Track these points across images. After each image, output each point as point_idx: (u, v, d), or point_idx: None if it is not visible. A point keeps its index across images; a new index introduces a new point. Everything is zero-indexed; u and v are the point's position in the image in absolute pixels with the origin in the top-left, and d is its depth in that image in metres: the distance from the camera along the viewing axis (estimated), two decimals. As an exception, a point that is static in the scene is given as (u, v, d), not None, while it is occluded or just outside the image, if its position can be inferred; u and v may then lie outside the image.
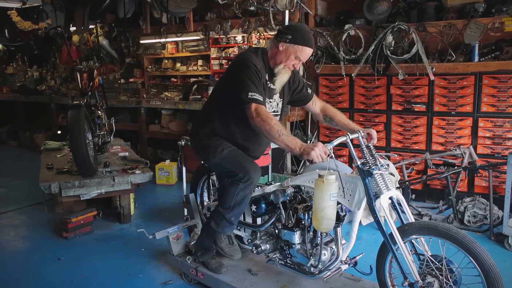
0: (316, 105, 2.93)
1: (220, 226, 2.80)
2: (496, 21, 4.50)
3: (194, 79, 6.95)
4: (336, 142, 2.33)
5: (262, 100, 2.44)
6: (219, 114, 2.71)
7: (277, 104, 2.76)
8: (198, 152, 2.87)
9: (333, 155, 2.25)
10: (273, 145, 4.51)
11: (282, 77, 2.61)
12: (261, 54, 2.62)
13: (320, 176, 2.26)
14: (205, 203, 3.42)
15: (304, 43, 2.52)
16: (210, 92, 4.62)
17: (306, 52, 2.54)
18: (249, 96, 2.41)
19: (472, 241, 2.08)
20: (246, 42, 6.38)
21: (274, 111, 2.72)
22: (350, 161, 5.25)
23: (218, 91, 2.80)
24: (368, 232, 3.99)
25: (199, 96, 6.49)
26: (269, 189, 2.78)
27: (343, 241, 2.52)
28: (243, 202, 2.73)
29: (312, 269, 2.55)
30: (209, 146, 2.71)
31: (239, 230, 3.02)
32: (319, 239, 2.54)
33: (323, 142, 2.27)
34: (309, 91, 2.91)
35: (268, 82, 2.60)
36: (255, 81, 2.45)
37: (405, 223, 2.38)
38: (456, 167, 4.38)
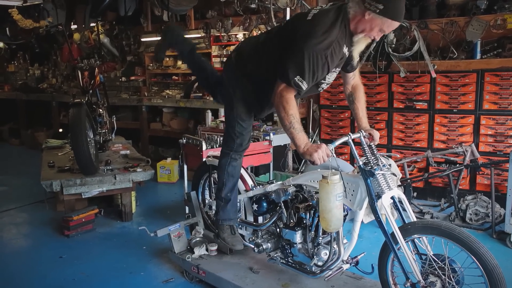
0: (352, 78, 2.67)
1: (220, 211, 2.85)
2: (498, 18, 4.48)
3: (195, 77, 6.93)
4: (338, 142, 2.31)
5: (303, 89, 2.25)
6: (266, 70, 2.49)
7: (337, 72, 2.51)
8: (227, 81, 2.75)
9: (335, 155, 2.24)
10: (274, 143, 4.52)
11: (360, 46, 2.31)
12: (342, 19, 2.23)
13: (323, 177, 2.24)
14: (206, 201, 3.43)
15: (395, 17, 2.15)
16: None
17: (394, 26, 2.22)
18: (294, 79, 2.20)
19: (476, 241, 2.07)
20: (247, 40, 6.36)
21: (331, 82, 2.53)
22: (352, 160, 5.24)
23: (272, 43, 2.50)
24: (369, 230, 3.99)
25: (200, 94, 6.48)
26: (271, 188, 2.79)
27: (345, 241, 2.52)
28: (234, 173, 2.84)
29: (313, 268, 2.55)
30: (240, 105, 2.68)
31: (241, 228, 3.02)
32: (320, 238, 2.53)
33: (324, 140, 2.26)
34: (357, 59, 2.55)
35: (348, 52, 2.32)
36: (315, 68, 2.19)
37: (406, 222, 2.37)
38: (458, 165, 4.37)
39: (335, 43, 2.21)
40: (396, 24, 2.21)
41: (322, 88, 2.59)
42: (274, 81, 2.35)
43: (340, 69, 2.51)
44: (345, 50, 2.30)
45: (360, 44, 2.30)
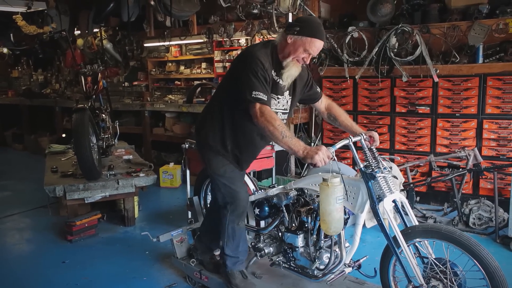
0: (322, 102, 2.87)
1: (227, 264, 2.79)
2: (500, 22, 4.48)
3: (198, 82, 6.96)
4: (339, 145, 2.32)
5: (266, 99, 2.36)
6: (219, 113, 2.63)
7: (287, 101, 2.64)
8: (201, 156, 2.82)
9: (336, 158, 2.24)
10: (276, 148, 4.52)
11: (291, 71, 2.48)
12: (271, 48, 2.50)
13: (324, 180, 2.25)
14: (208, 206, 3.42)
15: (313, 34, 2.37)
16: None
17: (316, 45, 2.39)
18: (253, 95, 2.32)
19: (476, 244, 2.06)
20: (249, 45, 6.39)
21: (283, 109, 2.63)
22: (355, 164, 5.24)
23: (221, 88, 2.72)
24: (372, 234, 3.98)
25: (203, 99, 6.50)
26: (272, 192, 2.79)
27: (347, 244, 2.51)
28: (235, 234, 2.73)
29: (316, 272, 2.55)
30: (211, 162, 2.68)
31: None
32: (322, 242, 2.53)
33: (327, 145, 2.26)
34: (318, 89, 2.84)
35: (276, 78, 2.49)
36: (260, 78, 2.36)
37: (408, 226, 2.37)
38: (461, 169, 4.36)
39: (262, 60, 2.39)
40: (317, 42, 2.39)
41: (285, 112, 2.68)
42: (238, 114, 2.52)
43: (285, 98, 2.61)
44: (273, 73, 2.47)
45: (290, 69, 2.47)
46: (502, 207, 3.94)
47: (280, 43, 2.47)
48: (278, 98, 2.56)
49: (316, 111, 2.88)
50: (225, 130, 2.61)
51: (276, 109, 2.57)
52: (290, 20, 4.99)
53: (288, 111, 2.70)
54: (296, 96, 2.70)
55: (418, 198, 4.57)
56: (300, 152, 2.25)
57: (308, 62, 2.52)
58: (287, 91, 2.61)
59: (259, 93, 2.34)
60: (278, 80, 2.50)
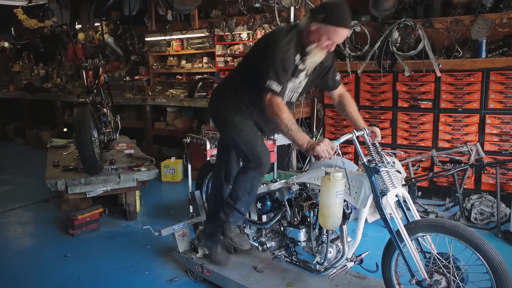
0: (337, 89, 2.80)
1: (230, 216, 2.78)
2: (504, 16, 4.45)
3: (199, 77, 6.94)
4: (343, 139, 2.32)
5: (279, 90, 2.34)
6: (241, 87, 2.62)
7: (300, 82, 2.59)
8: (215, 121, 2.80)
9: (340, 152, 2.24)
10: (278, 143, 4.52)
11: (314, 58, 2.43)
12: (296, 32, 2.42)
13: (326, 173, 2.26)
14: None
15: (337, 23, 2.28)
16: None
17: (340, 34, 2.31)
18: (266, 84, 2.32)
19: (481, 238, 2.07)
20: (251, 39, 6.37)
21: (294, 88, 2.59)
22: (356, 158, 5.23)
23: (244, 64, 2.71)
24: (373, 229, 3.98)
25: (204, 93, 6.48)
26: (275, 186, 2.78)
27: (349, 239, 2.52)
28: (252, 191, 2.71)
29: (317, 266, 2.55)
30: (229, 120, 2.64)
31: (245, 227, 3.02)
32: (324, 236, 2.53)
33: (329, 139, 2.25)
34: (338, 77, 2.75)
35: (299, 62, 2.44)
36: (277, 67, 2.32)
37: (410, 221, 2.37)
38: (463, 164, 4.35)
39: (285, 46, 2.35)
40: (342, 31, 2.31)
41: (292, 103, 2.70)
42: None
43: (300, 81, 2.57)
44: (297, 57, 2.43)
45: (313, 55, 2.42)
46: (504, 202, 3.94)
47: (305, 29, 2.40)
48: (294, 80, 2.53)
49: (329, 96, 2.82)
50: (244, 103, 2.61)
51: (295, 91, 2.60)
52: (292, 14, 4.97)
53: (299, 91, 2.65)
54: (312, 79, 2.65)
55: (419, 193, 4.56)
56: (304, 145, 2.26)
57: (332, 50, 2.45)
58: (304, 73, 2.55)
59: (273, 82, 2.32)
60: (300, 64, 2.45)
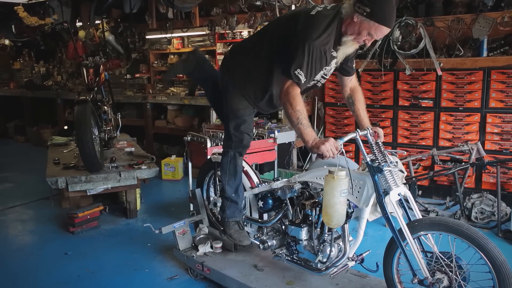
0: (350, 81, 2.71)
1: (226, 209, 2.84)
2: (505, 15, 4.44)
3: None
4: (346, 138, 2.32)
5: (302, 82, 2.28)
6: (258, 68, 2.58)
7: (330, 69, 2.49)
8: (224, 90, 2.77)
9: (344, 151, 2.23)
10: (279, 141, 4.52)
11: (347, 49, 2.36)
12: (337, 19, 2.28)
13: (330, 172, 2.25)
14: (211, 198, 3.43)
15: (382, 21, 2.15)
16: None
17: (382, 31, 2.21)
18: (294, 71, 2.25)
19: (484, 237, 2.07)
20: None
21: (324, 75, 2.49)
22: (357, 158, 5.23)
23: (272, 37, 2.55)
24: (374, 228, 3.98)
25: (204, 92, 6.46)
26: (276, 185, 2.78)
27: (350, 238, 2.51)
28: (236, 171, 2.82)
29: (319, 265, 2.55)
30: (235, 98, 2.69)
31: (246, 225, 3.02)
32: (326, 235, 2.53)
33: (334, 139, 2.25)
34: (353, 65, 2.69)
35: (332, 50, 2.35)
36: (314, 62, 2.25)
37: (412, 219, 2.37)
38: (463, 163, 4.35)
39: (329, 39, 2.27)
40: (384, 29, 2.20)
41: (317, 87, 2.64)
42: (266, 67, 2.49)
43: (330, 68, 2.49)
44: (332, 43, 2.33)
45: (347, 47, 2.34)
46: (505, 201, 3.94)
47: (346, 17, 2.27)
48: (325, 68, 2.44)
49: (341, 87, 2.77)
50: (259, 83, 2.61)
51: (319, 80, 2.53)
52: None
53: (326, 78, 2.57)
54: (337, 65, 2.57)
55: (420, 192, 4.56)
56: (310, 142, 2.26)
57: (368, 45, 2.37)
58: (335, 61, 2.48)
59: (302, 74, 2.26)
60: (333, 52, 2.37)
